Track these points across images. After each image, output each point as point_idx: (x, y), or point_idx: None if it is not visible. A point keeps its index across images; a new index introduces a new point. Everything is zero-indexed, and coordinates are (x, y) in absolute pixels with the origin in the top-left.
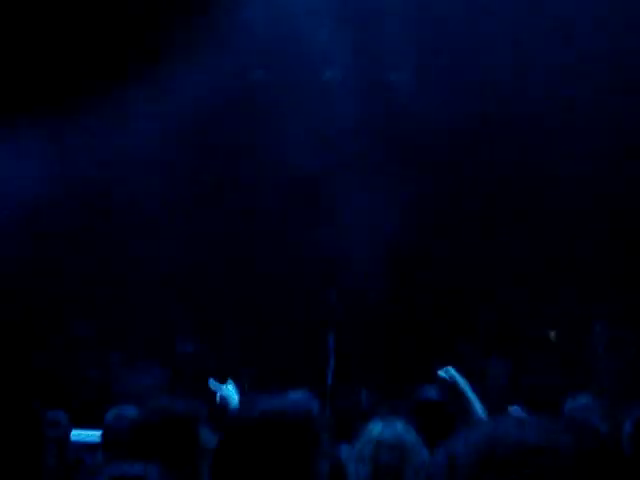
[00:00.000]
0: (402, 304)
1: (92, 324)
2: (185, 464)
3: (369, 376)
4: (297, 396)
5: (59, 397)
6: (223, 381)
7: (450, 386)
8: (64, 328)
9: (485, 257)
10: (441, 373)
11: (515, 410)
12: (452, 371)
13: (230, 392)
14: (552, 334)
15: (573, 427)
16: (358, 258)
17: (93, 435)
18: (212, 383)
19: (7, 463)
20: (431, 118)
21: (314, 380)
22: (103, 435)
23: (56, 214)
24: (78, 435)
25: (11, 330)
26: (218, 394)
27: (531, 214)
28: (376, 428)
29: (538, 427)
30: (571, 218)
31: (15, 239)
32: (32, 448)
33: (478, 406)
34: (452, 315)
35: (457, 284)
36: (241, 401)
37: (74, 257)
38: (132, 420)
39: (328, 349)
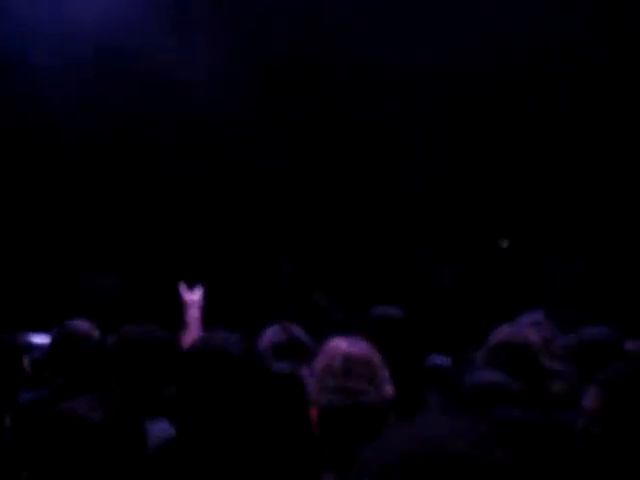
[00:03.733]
0: (358, 212)
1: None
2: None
3: (324, 278)
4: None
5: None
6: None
7: None
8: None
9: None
10: None
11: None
12: None
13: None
14: (504, 242)
15: (511, 436)
16: None
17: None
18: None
19: None
20: None
21: (268, 282)
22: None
23: None
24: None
25: None
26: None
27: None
28: (343, 343)
29: (473, 435)
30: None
31: None
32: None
33: None
34: (406, 221)
35: (413, 189)
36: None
37: None
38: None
39: (282, 253)
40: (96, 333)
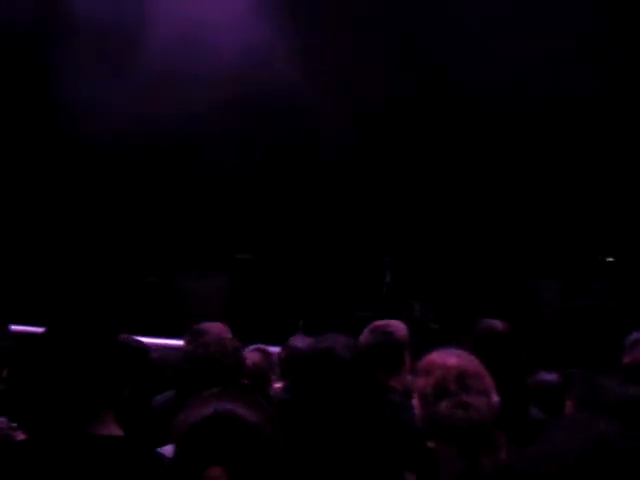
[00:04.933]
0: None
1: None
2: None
3: (424, 289)
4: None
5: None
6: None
7: None
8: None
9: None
10: None
11: None
12: None
13: None
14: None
15: None
16: None
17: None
18: None
19: None
20: None
21: (370, 292)
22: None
23: None
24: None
25: None
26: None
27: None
28: (452, 358)
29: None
30: None
31: None
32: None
33: None
34: (510, 235)
35: (508, 204)
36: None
37: None
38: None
39: (385, 266)
40: (229, 335)
